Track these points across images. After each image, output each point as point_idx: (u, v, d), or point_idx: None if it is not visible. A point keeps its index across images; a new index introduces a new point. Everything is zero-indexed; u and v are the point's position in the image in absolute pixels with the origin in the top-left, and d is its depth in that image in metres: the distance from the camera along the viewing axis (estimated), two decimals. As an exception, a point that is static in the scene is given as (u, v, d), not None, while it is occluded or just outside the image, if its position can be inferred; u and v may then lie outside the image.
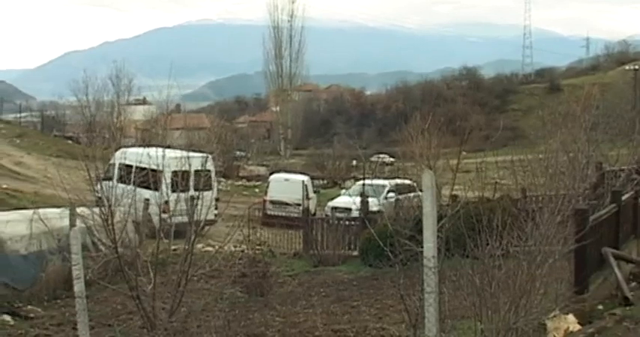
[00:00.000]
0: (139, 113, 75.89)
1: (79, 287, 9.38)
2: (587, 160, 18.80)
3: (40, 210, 19.49)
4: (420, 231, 12.40)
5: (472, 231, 9.36)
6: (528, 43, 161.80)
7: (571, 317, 9.56)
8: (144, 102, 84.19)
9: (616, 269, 11.72)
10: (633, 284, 12.90)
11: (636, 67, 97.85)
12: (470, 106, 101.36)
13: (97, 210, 13.71)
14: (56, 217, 18.78)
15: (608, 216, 12.82)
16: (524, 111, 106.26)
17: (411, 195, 30.74)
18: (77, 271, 9.36)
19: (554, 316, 9.34)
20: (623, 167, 23.70)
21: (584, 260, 10.82)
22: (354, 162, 68.74)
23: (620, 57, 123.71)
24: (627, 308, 11.16)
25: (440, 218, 8.57)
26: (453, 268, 9.25)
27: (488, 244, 8.61)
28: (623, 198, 14.41)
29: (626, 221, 14.29)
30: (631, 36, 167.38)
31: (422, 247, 11.46)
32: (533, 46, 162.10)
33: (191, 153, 16.90)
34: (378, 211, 32.77)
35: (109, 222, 12.41)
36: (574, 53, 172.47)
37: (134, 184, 18.21)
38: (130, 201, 15.57)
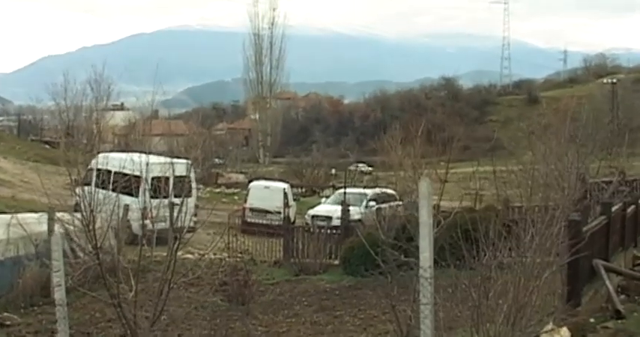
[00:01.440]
0: (117, 118, 75.46)
1: (59, 294, 9.07)
2: (570, 172, 18.70)
3: (20, 215, 19.15)
4: (405, 240, 12.25)
5: (464, 242, 9.18)
6: (507, 55, 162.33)
7: (565, 330, 9.35)
8: (122, 107, 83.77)
9: (607, 282, 11.55)
10: (622, 296, 12.76)
11: (614, 80, 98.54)
12: (449, 117, 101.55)
13: (77, 215, 13.38)
14: (34, 222, 18.43)
15: (599, 228, 12.68)
16: (503, 123, 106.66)
17: (393, 204, 30.61)
18: (58, 278, 9.06)
19: (549, 330, 9.14)
20: (605, 179, 23.66)
21: (578, 272, 10.65)
22: (333, 171, 68.60)
23: (597, 70, 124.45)
24: (619, 321, 11.00)
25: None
26: (446, 278, 9.06)
27: (485, 254, 8.40)
28: (612, 209, 14.28)
29: (615, 232, 14.15)
30: (608, 49, 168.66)
31: (407, 256, 11.30)
32: (512, 58, 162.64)
33: (173, 159, 16.63)
34: (359, 220, 32.62)
35: (90, 227, 12.08)
36: (552, 65, 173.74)
37: (115, 190, 17.91)
38: (110, 206, 15.27)
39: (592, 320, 10.89)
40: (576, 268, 10.47)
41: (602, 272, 11.75)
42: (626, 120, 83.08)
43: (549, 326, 9.16)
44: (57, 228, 17.11)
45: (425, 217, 7.53)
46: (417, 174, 14.44)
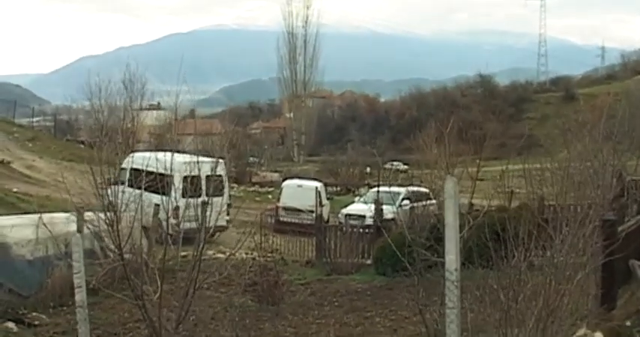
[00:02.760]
0: (152, 118, 75.64)
1: (80, 296, 8.94)
2: (609, 169, 18.30)
3: (47, 215, 19.07)
4: (437, 240, 11.98)
5: (495, 242, 8.91)
6: (543, 51, 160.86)
7: (600, 335, 9.04)
8: (158, 107, 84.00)
9: (644, 284, 11.19)
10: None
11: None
12: (484, 114, 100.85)
13: (103, 215, 13.27)
14: (63, 222, 18.33)
15: (636, 228, 12.31)
16: (540, 120, 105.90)
17: (427, 202, 30.27)
18: (78, 280, 8.92)
19: (583, 335, 8.83)
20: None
21: (613, 274, 10.31)
22: (368, 169, 68.28)
23: (636, 66, 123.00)
24: (657, 324, 10.65)
25: (460, 227, 8.11)
26: (475, 280, 8.78)
27: (514, 256, 8.11)
28: (650, 208, 13.92)
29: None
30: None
31: (439, 257, 11.03)
32: (548, 55, 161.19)
33: (202, 158, 16.48)
34: (393, 219, 32.31)
35: (114, 227, 11.95)
36: (589, 62, 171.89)
37: (146, 189, 17.80)
38: (138, 206, 15.16)
39: (628, 323, 10.53)
40: (611, 269, 10.13)
41: (639, 272, 11.39)
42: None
43: (582, 331, 8.86)
44: (85, 228, 17.02)
45: (450, 218, 7.27)
46: (449, 172, 14.17)
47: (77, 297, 9.10)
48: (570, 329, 8.62)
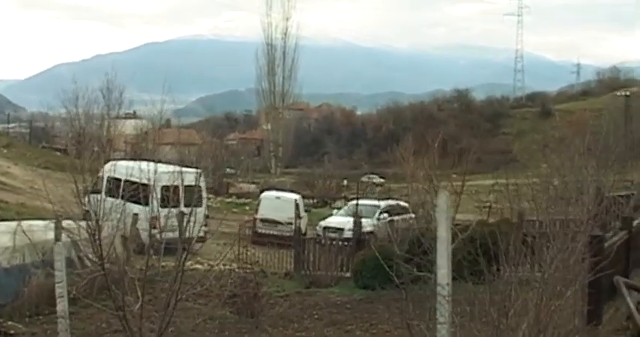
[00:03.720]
0: (129, 127, 75.28)
1: (62, 306, 8.78)
2: (588, 185, 18.34)
3: (25, 222, 18.85)
4: (420, 254, 11.92)
5: (483, 256, 8.84)
6: (520, 67, 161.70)
7: (586, 351, 9.01)
8: (134, 116, 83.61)
9: (629, 300, 11.16)
10: (642, 315, 12.34)
11: (627, 93, 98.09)
12: (461, 129, 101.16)
13: (83, 223, 13.09)
14: (41, 230, 18.11)
15: (620, 243, 12.30)
16: (516, 135, 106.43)
17: (405, 216, 30.25)
18: (60, 289, 8.77)
19: (572, 350, 8.77)
20: (622, 193, 23.28)
21: (599, 290, 10.28)
22: (345, 182, 68.28)
23: (611, 83, 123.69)
24: (641, 340, 10.63)
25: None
26: (463, 293, 8.70)
27: (502, 270, 8.06)
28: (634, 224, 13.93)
29: (635, 248, 13.77)
30: (621, 62, 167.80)
31: (421, 271, 10.96)
32: (525, 70, 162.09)
33: (183, 168, 16.35)
34: (371, 232, 32.28)
35: (96, 236, 11.79)
36: (565, 78, 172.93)
37: (123, 198, 17.62)
38: (118, 215, 14.99)
39: (613, 340, 10.53)
40: (598, 286, 10.10)
41: (624, 289, 11.37)
42: (638, 133, 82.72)
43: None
44: (64, 236, 16.81)
45: (443, 232, 7.21)
46: (432, 186, 14.11)
47: (59, 307, 8.94)
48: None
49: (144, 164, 17.45)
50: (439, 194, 7.42)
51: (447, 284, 7.08)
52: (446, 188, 11.88)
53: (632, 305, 11.09)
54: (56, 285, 9.11)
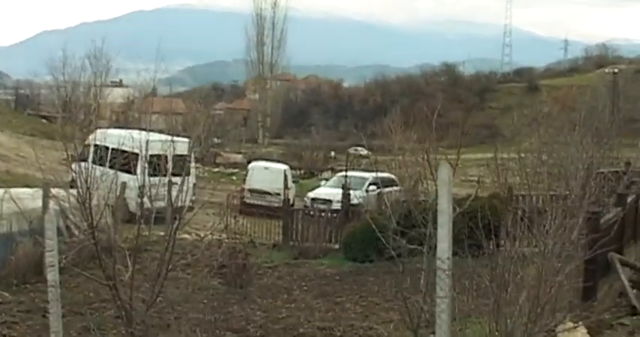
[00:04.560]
0: (115, 95, 74.85)
1: (52, 275, 8.62)
2: (579, 160, 18.27)
3: (13, 190, 18.63)
4: (409, 227, 11.82)
5: (480, 230, 8.75)
6: (508, 42, 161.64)
7: (582, 328, 8.93)
8: (120, 84, 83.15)
9: (623, 277, 11.12)
10: (634, 291, 12.30)
11: (615, 70, 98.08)
12: (449, 102, 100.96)
13: (73, 191, 12.89)
14: (28, 198, 17.93)
15: (615, 220, 12.23)
16: (502, 110, 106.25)
17: (393, 188, 30.17)
18: (51, 258, 8.60)
19: (568, 328, 8.70)
20: (613, 169, 23.20)
21: (595, 266, 10.22)
22: (332, 154, 68.15)
23: (598, 60, 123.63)
24: (635, 317, 10.58)
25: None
26: (460, 267, 8.60)
27: (498, 246, 7.97)
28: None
29: (629, 225, 13.72)
30: (609, 39, 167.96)
31: (410, 243, 10.86)
32: (513, 46, 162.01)
33: (169, 137, 16.16)
34: (359, 204, 32.19)
35: (87, 205, 11.59)
36: (553, 54, 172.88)
37: (112, 167, 17.45)
38: (107, 184, 14.81)
39: (607, 315, 10.47)
40: (594, 262, 10.02)
41: (618, 266, 11.32)
42: (626, 110, 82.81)
43: (567, 325, 8.73)
44: (52, 204, 16.61)
45: (444, 205, 7.08)
46: (426, 158, 13.99)
47: (49, 276, 8.77)
48: (554, 320, 8.49)
49: (134, 132, 17.29)
50: (441, 166, 7.29)
51: (448, 258, 6.96)
52: (444, 161, 11.78)
53: (626, 282, 11.05)
54: (46, 254, 8.94)
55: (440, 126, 19.64)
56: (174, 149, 14.61)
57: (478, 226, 8.80)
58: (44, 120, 62.86)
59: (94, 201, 12.43)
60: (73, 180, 13.20)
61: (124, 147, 19.05)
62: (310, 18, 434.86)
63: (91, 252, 12.99)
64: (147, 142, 14.17)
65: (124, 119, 54.39)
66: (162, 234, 12.70)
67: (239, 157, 65.76)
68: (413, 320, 8.74)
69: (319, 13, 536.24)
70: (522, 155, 19.92)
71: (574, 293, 9.79)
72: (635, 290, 12.49)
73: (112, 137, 24.53)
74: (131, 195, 16.93)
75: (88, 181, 12.34)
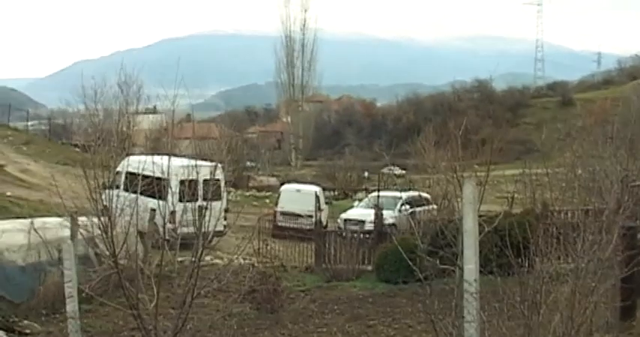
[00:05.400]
0: (148, 122, 75.14)
1: (71, 306, 8.43)
2: (616, 175, 17.85)
3: (40, 219, 18.55)
4: (442, 247, 11.51)
5: (510, 249, 8.43)
6: (540, 57, 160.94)
7: (622, 348, 8.56)
8: (154, 111, 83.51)
9: (662, 294, 10.69)
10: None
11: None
12: (482, 119, 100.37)
13: (97, 220, 12.75)
14: (56, 227, 17.81)
15: (653, 235, 11.80)
16: (536, 125, 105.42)
17: (427, 207, 29.81)
18: (70, 289, 8.42)
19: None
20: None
21: (632, 284, 9.82)
22: (366, 174, 67.88)
23: (632, 71, 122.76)
24: (675, 335, 10.17)
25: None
26: (490, 288, 8.26)
27: (529, 265, 7.62)
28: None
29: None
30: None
31: (444, 264, 10.55)
32: (545, 60, 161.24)
33: (200, 162, 15.98)
34: (393, 224, 31.86)
35: (109, 233, 11.43)
36: (586, 67, 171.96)
37: (142, 193, 17.32)
38: (135, 210, 14.66)
39: (647, 335, 10.08)
40: (631, 280, 9.62)
41: (656, 282, 10.89)
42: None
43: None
44: (81, 232, 16.51)
45: (470, 224, 6.78)
46: (455, 176, 13.70)
47: (68, 307, 8.59)
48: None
49: (163, 158, 17.14)
50: (465, 184, 6.99)
51: (475, 280, 6.65)
52: (470, 178, 11.44)
53: (665, 299, 10.62)
54: (65, 285, 8.77)
55: (473, 142, 19.39)
56: (203, 174, 14.48)
57: (507, 244, 8.49)
58: (77, 149, 63.11)
59: (118, 229, 12.27)
60: (105, 208, 13.08)
61: (152, 173, 18.98)
62: (340, 39, 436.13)
63: (117, 280, 12.83)
64: (175, 168, 14.06)
65: (156, 146, 54.46)
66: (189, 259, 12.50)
67: (272, 180, 65.74)
68: (443, 344, 8.41)
69: (349, 34, 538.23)
70: (556, 170, 19.58)
71: (611, 312, 9.41)
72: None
73: (142, 163, 24.46)
74: (161, 222, 16.80)
75: (111, 209, 12.21)
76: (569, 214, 17.81)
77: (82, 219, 15.96)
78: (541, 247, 8.06)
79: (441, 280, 10.49)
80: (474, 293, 6.62)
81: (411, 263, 10.08)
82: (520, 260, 8.20)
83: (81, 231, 16.39)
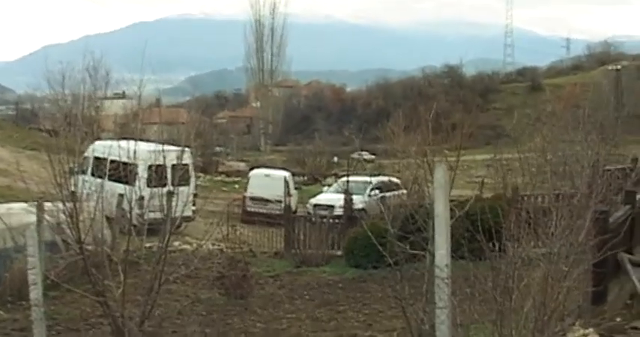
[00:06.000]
0: (117, 107, 74.61)
1: (35, 294, 8.24)
2: (583, 158, 17.87)
3: (5, 205, 18.26)
4: (413, 232, 11.41)
5: (481, 233, 8.33)
6: (509, 42, 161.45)
7: (593, 334, 8.50)
8: (123, 96, 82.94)
9: (634, 278, 10.64)
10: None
11: (618, 66, 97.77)
12: (452, 104, 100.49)
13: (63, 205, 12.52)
14: (21, 213, 17.53)
15: (624, 219, 11.76)
16: (506, 110, 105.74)
17: (397, 192, 29.78)
18: (33, 276, 8.23)
19: (578, 335, 8.27)
20: (618, 166, 22.77)
21: (604, 269, 9.76)
22: (336, 159, 67.78)
23: (601, 57, 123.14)
24: (647, 320, 10.13)
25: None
26: (461, 273, 8.15)
27: (500, 250, 7.53)
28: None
29: (638, 223, 13.23)
30: (610, 37, 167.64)
31: (413, 248, 10.46)
32: (515, 46, 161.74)
33: (167, 146, 15.78)
34: (363, 209, 31.80)
35: (74, 218, 11.23)
36: (555, 53, 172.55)
37: (106, 178, 17.08)
38: (103, 195, 14.45)
39: (618, 319, 10.01)
40: (603, 265, 9.56)
41: (629, 267, 10.85)
42: (630, 106, 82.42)
43: (577, 331, 8.31)
44: (48, 219, 16.26)
45: (441, 209, 6.67)
46: (425, 160, 13.60)
47: (32, 295, 8.40)
48: (562, 325, 8.06)
49: (131, 143, 16.92)
50: (436, 168, 6.88)
51: (446, 266, 6.55)
52: (441, 162, 11.32)
53: (637, 283, 10.58)
54: (29, 272, 8.56)
55: (444, 127, 19.31)
56: (171, 158, 14.29)
57: (479, 229, 8.40)
58: (45, 134, 62.53)
59: (85, 214, 12.08)
60: (74, 193, 12.87)
61: (121, 158, 18.78)
62: (310, 23, 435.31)
63: (83, 266, 12.62)
64: (144, 152, 13.89)
65: (125, 131, 54.05)
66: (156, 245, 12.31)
67: (241, 165, 65.47)
68: (414, 330, 8.32)
69: (319, 18, 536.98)
70: (527, 154, 19.58)
71: (583, 297, 9.36)
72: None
73: (110, 148, 24.23)
74: (128, 207, 16.60)
75: (77, 194, 12.02)
76: (540, 198, 17.83)
77: (48, 205, 15.72)
78: (513, 232, 7.97)
79: (411, 265, 10.39)
80: (445, 279, 6.51)
81: (380, 248, 9.95)
82: (492, 244, 8.10)
83: (47, 216, 16.14)
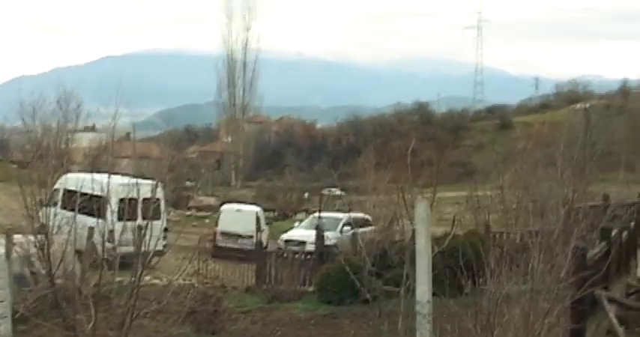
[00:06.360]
0: (86, 140, 74.25)
1: (4, 327, 8.03)
2: (555, 196, 17.91)
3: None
4: (383, 268, 11.32)
5: (460, 270, 8.26)
6: (480, 80, 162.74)
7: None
8: (93, 129, 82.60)
9: (611, 315, 10.61)
10: (622, 328, 11.81)
11: (587, 105, 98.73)
12: (422, 141, 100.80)
13: (33, 237, 12.33)
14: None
15: (601, 255, 11.76)
16: (476, 147, 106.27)
17: (368, 229, 29.73)
18: (3, 309, 8.01)
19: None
20: (590, 204, 22.86)
21: (583, 306, 9.70)
22: (306, 195, 67.69)
23: (570, 96, 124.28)
24: (624, 356, 10.09)
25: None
26: (440, 309, 8.06)
27: (487, 286, 7.44)
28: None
29: (613, 259, 13.25)
30: (579, 76, 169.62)
31: (386, 284, 10.36)
32: (484, 84, 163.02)
33: (140, 180, 15.63)
34: (334, 245, 31.67)
35: (45, 251, 11.04)
36: (524, 91, 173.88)
37: (77, 211, 16.86)
38: (72, 229, 14.26)
39: (596, 356, 9.96)
40: (581, 302, 9.50)
41: (605, 303, 10.82)
42: (601, 144, 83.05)
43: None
44: (17, 251, 15.99)
45: (422, 245, 6.59)
46: (403, 197, 13.56)
47: (1, 328, 8.18)
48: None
49: (101, 176, 16.78)
50: (418, 203, 6.81)
51: (428, 302, 6.45)
52: (422, 198, 11.29)
53: (614, 320, 10.55)
54: (-2, 305, 8.38)
55: (414, 165, 19.28)
56: (142, 192, 14.15)
57: (458, 265, 8.33)
58: (15, 166, 61.95)
59: (55, 247, 11.89)
60: (42, 226, 12.69)
61: (91, 191, 18.57)
62: (282, 59, 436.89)
63: (53, 300, 12.40)
64: (115, 186, 13.74)
65: (95, 164, 53.69)
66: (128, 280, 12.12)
67: (212, 200, 65.21)
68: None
69: (290, 54, 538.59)
70: (498, 192, 19.60)
71: (563, 335, 9.28)
72: (622, 327, 12.01)
73: (80, 181, 24.00)
74: (99, 240, 16.40)
75: (48, 226, 11.85)
76: (513, 235, 17.82)
77: (17, 237, 15.47)
78: (492, 268, 7.90)
79: (388, 301, 10.30)
80: (426, 315, 6.41)
81: (358, 283, 9.86)
82: (472, 281, 8.03)
83: (17, 248, 15.88)
